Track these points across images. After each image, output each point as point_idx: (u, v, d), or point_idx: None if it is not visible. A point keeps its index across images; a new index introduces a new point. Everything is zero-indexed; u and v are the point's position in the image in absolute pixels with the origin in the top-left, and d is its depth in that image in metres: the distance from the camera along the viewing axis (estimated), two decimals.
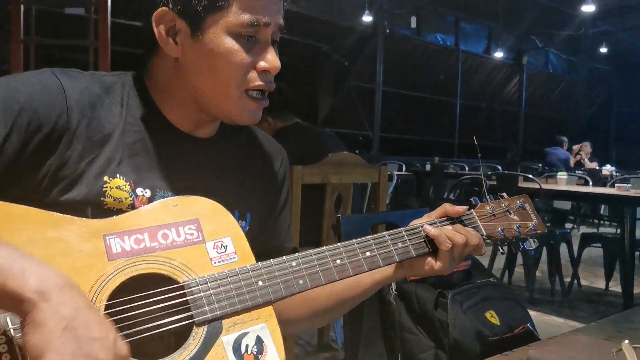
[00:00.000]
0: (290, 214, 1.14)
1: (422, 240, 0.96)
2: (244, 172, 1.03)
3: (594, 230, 7.56)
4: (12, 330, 0.68)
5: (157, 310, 0.78)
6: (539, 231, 1.03)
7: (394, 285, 1.38)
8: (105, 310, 0.75)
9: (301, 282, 0.85)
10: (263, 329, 0.80)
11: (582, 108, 16.89)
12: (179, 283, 0.80)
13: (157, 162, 0.92)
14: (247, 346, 0.78)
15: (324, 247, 0.89)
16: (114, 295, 0.77)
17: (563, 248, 4.64)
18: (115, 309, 0.76)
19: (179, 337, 0.81)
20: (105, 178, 0.87)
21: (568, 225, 6.78)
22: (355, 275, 0.90)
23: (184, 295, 0.79)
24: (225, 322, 0.79)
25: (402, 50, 11.38)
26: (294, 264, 0.86)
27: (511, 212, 1.03)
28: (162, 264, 0.81)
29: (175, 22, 0.88)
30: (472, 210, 1.02)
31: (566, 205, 6.49)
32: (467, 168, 9.60)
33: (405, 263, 0.99)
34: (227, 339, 0.78)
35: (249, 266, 0.84)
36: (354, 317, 1.43)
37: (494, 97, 14.38)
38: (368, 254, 0.92)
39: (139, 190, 0.89)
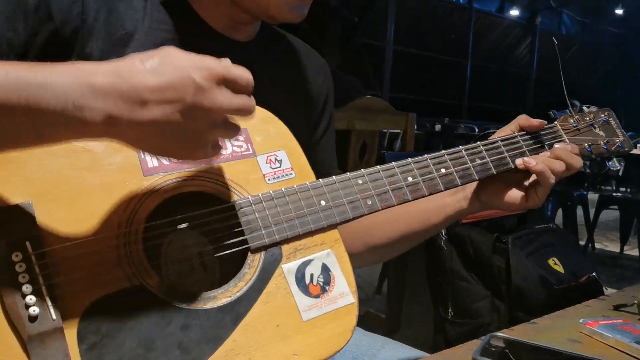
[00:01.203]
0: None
1: (503, 155, 0.83)
2: (284, 84, 0.90)
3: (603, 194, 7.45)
4: (33, 257, 0.57)
5: (204, 234, 0.66)
6: (626, 149, 0.90)
7: (444, 229, 1.25)
8: (144, 233, 0.63)
9: (369, 202, 0.73)
10: (329, 255, 0.68)
11: (593, 72, 16.58)
12: (229, 203, 0.67)
13: None
14: (312, 275, 0.66)
15: (393, 163, 0.76)
16: (152, 216, 0.64)
17: (578, 210, 4.54)
18: (155, 232, 0.64)
19: (226, 266, 0.69)
20: None
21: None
22: (430, 194, 0.77)
23: (235, 216, 0.67)
24: (285, 248, 0.67)
25: (413, 6, 11.06)
26: (359, 181, 0.73)
27: (596, 126, 0.91)
28: (207, 180, 0.68)
29: None
30: (555, 122, 0.89)
31: None
32: (476, 130, 9.44)
33: (482, 195, 0.86)
34: (288, 268, 0.66)
35: (309, 184, 0.71)
36: (397, 264, 1.31)
37: (505, 59, 14.07)
38: (443, 170, 0.78)
39: None
